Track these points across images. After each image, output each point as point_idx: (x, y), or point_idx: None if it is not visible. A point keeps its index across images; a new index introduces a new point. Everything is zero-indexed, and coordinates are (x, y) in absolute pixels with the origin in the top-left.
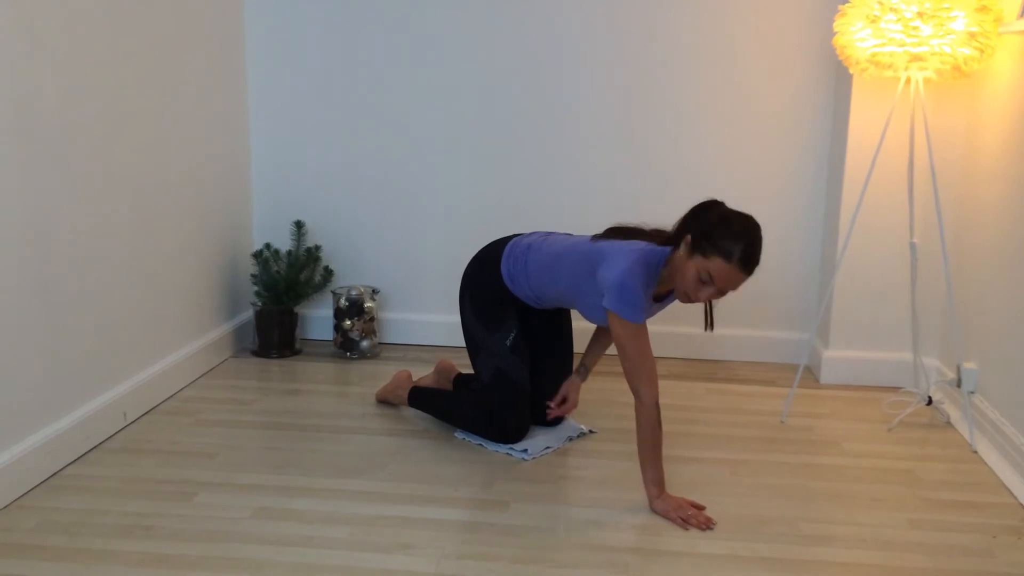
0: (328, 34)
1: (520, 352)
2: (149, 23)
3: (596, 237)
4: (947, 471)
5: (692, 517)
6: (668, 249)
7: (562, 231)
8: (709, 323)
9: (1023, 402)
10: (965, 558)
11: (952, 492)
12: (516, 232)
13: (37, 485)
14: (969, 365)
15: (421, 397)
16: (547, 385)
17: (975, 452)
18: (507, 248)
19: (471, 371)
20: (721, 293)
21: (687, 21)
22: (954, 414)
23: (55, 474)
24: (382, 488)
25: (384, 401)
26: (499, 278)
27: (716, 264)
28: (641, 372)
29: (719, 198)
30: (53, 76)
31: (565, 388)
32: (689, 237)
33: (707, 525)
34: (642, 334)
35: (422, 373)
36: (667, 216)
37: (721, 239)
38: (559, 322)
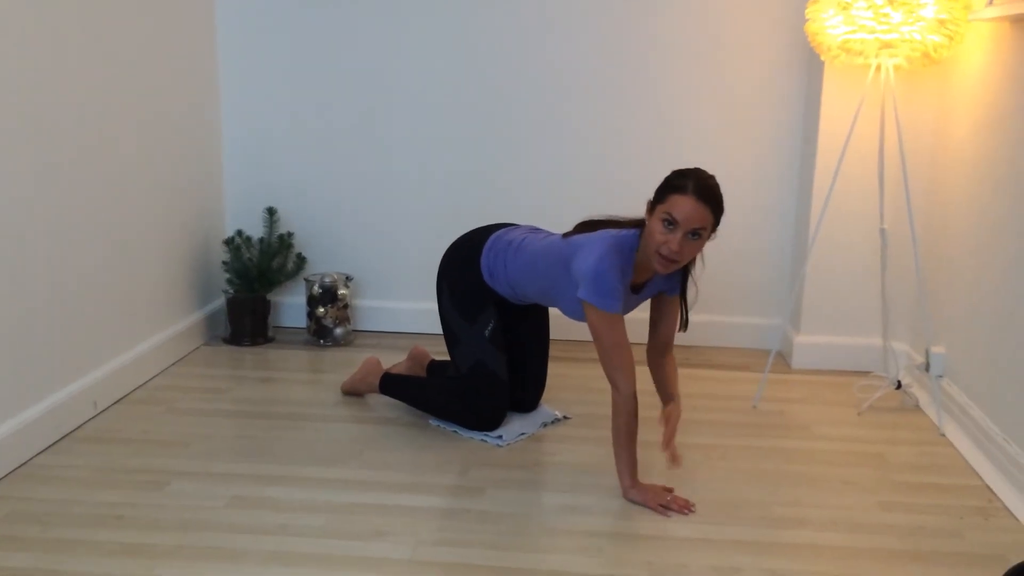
0: (301, 19)
1: (498, 342)
2: (119, 9)
3: (567, 234)
4: (916, 454)
5: (671, 502)
6: (637, 232)
7: (539, 220)
8: (684, 322)
9: (990, 386)
10: (934, 539)
11: (921, 475)
12: (493, 221)
13: (6, 475)
14: (937, 350)
15: (394, 384)
16: (527, 376)
17: (943, 435)
18: (488, 243)
19: (445, 358)
20: (695, 237)
21: (661, 8)
22: (923, 398)
23: (24, 464)
24: (357, 475)
25: (351, 392)
26: (478, 271)
27: (672, 200)
28: (617, 362)
29: None
30: (21, 64)
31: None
32: (647, 203)
33: (687, 508)
34: (617, 323)
35: (396, 360)
36: (640, 201)
37: (671, 180)
38: (538, 312)
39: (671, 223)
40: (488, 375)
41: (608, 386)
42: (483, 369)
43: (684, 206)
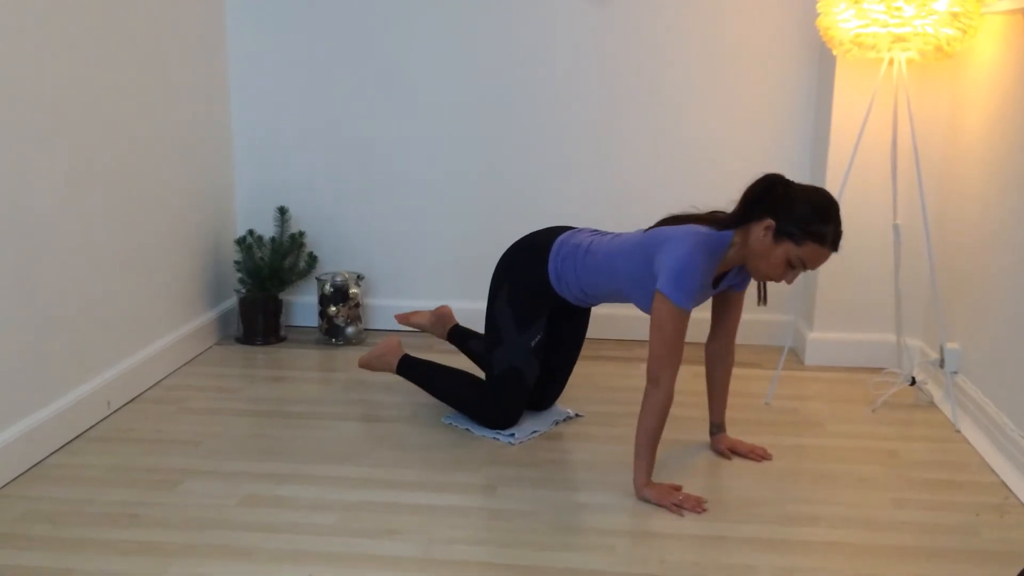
0: (311, 20)
1: (539, 356)
2: (130, 15)
3: (649, 229)
4: (930, 451)
5: (685, 501)
6: (730, 234)
7: (550, 219)
8: (763, 297)
9: (1005, 382)
10: (949, 536)
11: (935, 471)
12: (505, 221)
13: (20, 474)
14: (952, 345)
15: (412, 368)
16: (552, 377)
17: (958, 432)
18: (554, 247)
19: (468, 325)
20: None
21: (671, 4)
22: (937, 394)
23: (38, 463)
24: (369, 474)
25: (367, 367)
26: (544, 275)
27: (809, 249)
28: (670, 359)
29: (703, 181)
30: (33, 71)
31: (726, 445)
32: (772, 223)
33: (700, 507)
34: (684, 321)
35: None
36: (652, 203)
37: (812, 224)
38: (581, 329)
39: (799, 266)
40: (519, 384)
41: (625, 383)
42: (516, 377)
43: (819, 258)
